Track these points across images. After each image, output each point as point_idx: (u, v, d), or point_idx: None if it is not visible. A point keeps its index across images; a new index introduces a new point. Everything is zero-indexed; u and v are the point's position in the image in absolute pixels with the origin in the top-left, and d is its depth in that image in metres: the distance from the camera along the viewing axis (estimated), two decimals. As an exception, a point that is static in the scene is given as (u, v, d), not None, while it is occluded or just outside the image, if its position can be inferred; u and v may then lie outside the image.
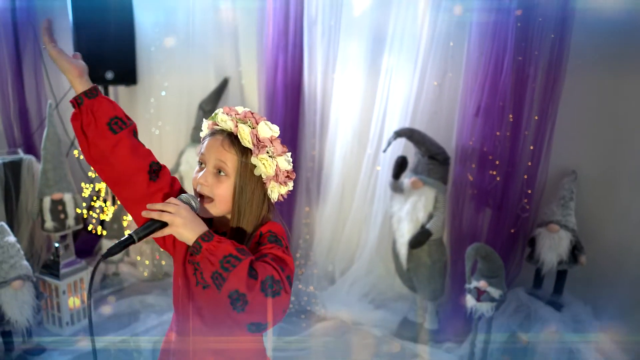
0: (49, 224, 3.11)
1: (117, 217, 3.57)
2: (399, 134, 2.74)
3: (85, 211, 3.39)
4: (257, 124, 1.20)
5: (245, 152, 1.19)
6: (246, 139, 1.19)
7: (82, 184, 3.40)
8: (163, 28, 3.62)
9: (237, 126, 1.19)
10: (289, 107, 3.32)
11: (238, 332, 1.21)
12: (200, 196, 1.22)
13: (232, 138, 1.20)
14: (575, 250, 2.78)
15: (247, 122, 1.20)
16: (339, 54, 3.15)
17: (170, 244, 1.28)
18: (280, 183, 1.22)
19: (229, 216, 1.23)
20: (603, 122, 2.74)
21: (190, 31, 3.56)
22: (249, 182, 1.20)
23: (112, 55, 3.49)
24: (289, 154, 1.24)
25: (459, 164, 2.86)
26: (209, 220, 1.27)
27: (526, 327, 2.82)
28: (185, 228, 1.08)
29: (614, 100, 2.68)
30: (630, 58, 2.59)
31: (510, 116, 2.67)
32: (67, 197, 3.17)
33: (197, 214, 1.16)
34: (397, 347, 2.90)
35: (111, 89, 3.88)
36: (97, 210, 3.56)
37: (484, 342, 2.64)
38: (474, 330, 2.70)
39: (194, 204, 1.18)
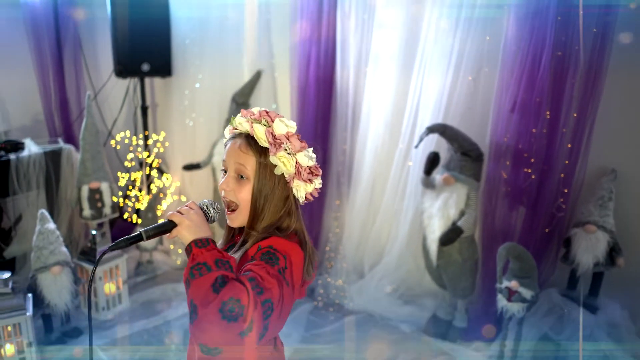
0: (87, 212, 3.22)
1: (151, 206, 3.65)
2: (431, 129, 2.70)
3: (121, 200, 3.49)
4: (272, 122, 1.18)
5: (263, 152, 1.18)
6: (262, 138, 1.17)
7: (119, 174, 3.48)
8: (197, 22, 3.66)
9: (252, 127, 1.18)
10: (321, 100, 3.31)
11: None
12: (228, 205, 1.22)
13: (249, 140, 1.19)
14: (613, 252, 2.70)
15: (262, 121, 1.18)
16: (372, 48, 3.12)
17: None
18: (305, 181, 1.19)
19: None
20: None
21: (224, 25, 3.58)
22: (268, 182, 1.18)
23: (148, 47, 3.55)
24: (310, 149, 1.21)
25: (493, 160, 2.80)
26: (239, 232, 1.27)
27: (558, 330, 2.76)
28: (189, 230, 1.08)
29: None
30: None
31: (548, 113, 2.59)
32: (104, 186, 3.28)
33: (213, 221, 1.18)
34: (426, 343, 2.89)
35: (147, 80, 3.95)
36: (133, 199, 3.64)
37: (514, 343, 2.60)
38: (504, 330, 2.66)
39: (212, 210, 1.18)
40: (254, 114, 1.21)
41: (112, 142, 3.59)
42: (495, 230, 2.87)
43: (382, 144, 3.19)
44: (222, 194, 1.23)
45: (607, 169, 2.78)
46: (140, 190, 3.68)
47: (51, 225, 2.72)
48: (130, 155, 3.61)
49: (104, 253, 1.13)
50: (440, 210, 2.80)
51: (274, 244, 1.13)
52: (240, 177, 1.20)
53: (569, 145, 2.64)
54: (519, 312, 2.51)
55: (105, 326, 2.98)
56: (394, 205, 3.21)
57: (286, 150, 1.17)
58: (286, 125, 1.18)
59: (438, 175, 2.83)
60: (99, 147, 3.25)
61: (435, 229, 2.84)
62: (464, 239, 2.82)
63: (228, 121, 3.50)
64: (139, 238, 1.11)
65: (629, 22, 2.45)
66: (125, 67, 3.57)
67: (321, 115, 3.36)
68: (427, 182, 2.86)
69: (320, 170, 1.23)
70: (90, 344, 1.18)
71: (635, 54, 2.48)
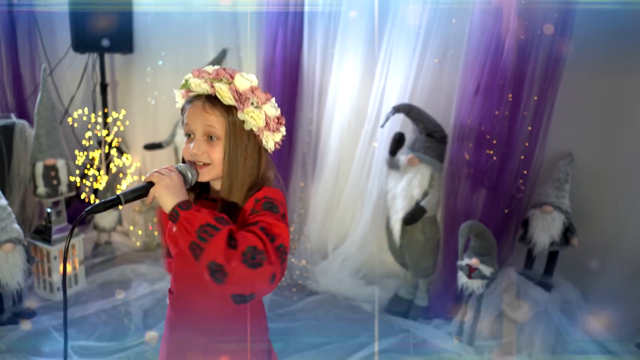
0: (41, 189, 3.09)
1: (110, 186, 3.54)
2: (397, 109, 2.72)
3: (78, 179, 3.37)
4: (233, 78, 1.16)
5: (229, 110, 1.16)
6: (226, 97, 1.15)
7: (76, 152, 3.36)
8: (161, -4, 3.56)
9: (213, 86, 1.16)
10: (287, 80, 3.29)
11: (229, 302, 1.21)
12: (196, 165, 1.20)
13: (212, 99, 1.16)
14: (568, 232, 2.80)
15: (222, 79, 1.16)
16: (340, 28, 3.11)
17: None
18: (273, 131, 1.20)
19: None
20: (601, 106, 2.74)
21: (188, 1, 3.50)
22: (241, 139, 1.17)
23: (108, 22, 3.44)
24: (273, 99, 1.20)
25: (457, 142, 2.86)
26: (205, 189, 1.27)
27: (515, 306, 2.85)
28: (168, 191, 1.06)
29: (614, 85, 2.68)
30: (633, 44, 2.58)
31: (510, 96, 2.66)
32: (60, 164, 3.14)
33: (192, 185, 1.17)
34: (387, 322, 2.92)
35: (107, 56, 3.83)
36: (91, 179, 3.54)
37: (472, 318, 2.66)
38: (463, 307, 2.72)
39: (189, 175, 1.16)
40: (210, 74, 1.18)
41: (70, 119, 3.47)
42: (457, 210, 2.93)
43: (348, 125, 3.20)
44: (191, 159, 1.20)
45: (564, 152, 2.88)
46: (98, 169, 3.57)
47: (2, 201, 2.59)
48: (88, 134, 3.49)
49: (79, 218, 1.07)
50: (404, 190, 2.83)
51: (268, 193, 1.15)
52: (210, 138, 1.18)
53: (530, 128, 2.72)
54: (478, 288, 2.57)
55: (60, 306, 2.88)
56: (359, 186, 3.24)
57: (253, 104, 1.16)
58: (248, 80, 1.17)
59: (402, 156, 2.86)
60: (55, 122, 3.11)
61: (399, 209, 2.87)
62: (426, 219, 2.86)
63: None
64: (117, 201, 1.08)
65: (590, 10, 2.53)
66: (83, 41, 3.45)
67: (287, 95, 3.34)
68: (392, 163, 2.89)
69: (284, 118, 1.23)
70: (65, 329, 1.14)
71: (595, 40, 2.57)
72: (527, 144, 2.75)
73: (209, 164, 1.18)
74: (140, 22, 3.60)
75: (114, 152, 3.60)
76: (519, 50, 2.59)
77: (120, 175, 3.60)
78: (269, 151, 1.23)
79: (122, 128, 3.61)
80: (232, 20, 3.48)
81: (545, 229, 2.78)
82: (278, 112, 1.20)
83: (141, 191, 1.10)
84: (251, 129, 1.18)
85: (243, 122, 1.17)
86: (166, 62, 3.64)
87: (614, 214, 2.81)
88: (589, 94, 2.73)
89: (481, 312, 2.67)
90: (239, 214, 1.15)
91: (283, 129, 1.23)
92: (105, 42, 3.49)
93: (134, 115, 3.81)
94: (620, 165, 2.78)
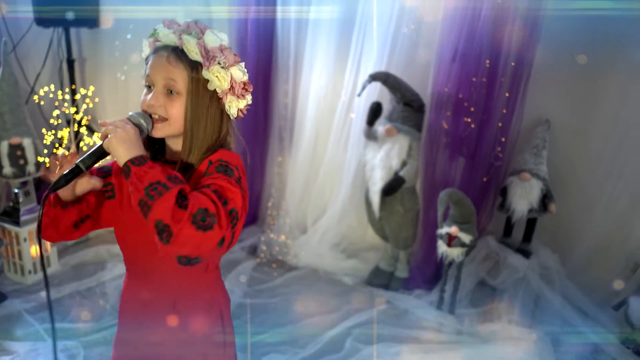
0: (7, 169, 2.97)
1: (81, 166, 3.42)
2: (374, 77, 2.67)
3: (47, 159, 3.26)
4: (203, 34, 1.10)
5: (194, 66, 1.10)
6: (193, 51, 1.09)
7: (43, 131, 3.24)
8: (128, -35, 3.41)
9: (181, 38, 1.10)
10: (262, 52, 3.19)
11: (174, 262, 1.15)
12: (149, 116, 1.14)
13: (178, 52, 1.11)
14: (546, 199, 2.81)
15: (191, 33, 1.10)
16: (314, -5, 3.02)
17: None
18: (238, 96, 1.14)
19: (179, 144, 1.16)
20: (577, 71, 2.72)
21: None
22: (202, 98, 1.11)
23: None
24: (242, 63, 1.15)
25: (434, 111, 2.82)
26: (162, 151, 1.21)
27: (495, 274, 2.87)
28: (122, 144, 1.00)
29: (590, 49, 2.65)
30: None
31: (487, 62, 2.62)
32: (27, 142, 3.03)
33: (148, 136, 1.11)
34: (368, 294, 2.91)
35: (73, 31, 3.67)
36: (60, 158, 3.41)
37: (453, 287, 2.66)
38: (443, 276, 2.72)
39: (144, 122, 1.10)
40: (180, 25, 1.12)
41: (35, 97, 3.33)
42: (436, 180, 2.90)
43: (325, 96, 3.14)
44: (148, 110, 1.14)
45: (541, 119, 2.87)
46: (68, 149, 3.45)
47: (-34, 181, 2.48)
48: (56, 112, 3.35)
49: (44, 198, 1.02)
50: (382, 161, 2.80)
51: (223, 156, 1.11)
52: (170, 92, 1.11)
53: (507, 95, 2.69)
54: (458, 257, 2.57)
55: (32, 290, 2.79)
56: (337, 159, 3.19)
57: (220, 64, 1.10)
58: (218, 37, 1.11)
59: (380, 127, 2.82)
60: (19, 99, 2.98)
61: (377, 181, 2.84)
62: (405, 189, 2.84)
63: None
64: (78, 171, 1.02)
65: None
66: (47, 15, 3.30)
67: (262, 67, 3.25)
68: (370, 134, 2.84)
69: (252, 86, 1.18)
70: (51, 314, 1.10)
71: (571, 3, 2.54)
72: (504, 111, 2.72)
73: (165, 119, 1.12)
74: (107, -6, 3.45)
75: (83, 130, 3.47)
76: (495, 15, 2.54)
77: (92, 154, 3.48)
78: (232, 118, 1.18)
79: (91, 105, 3.46)
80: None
81: (524, 196, 2.78)
82: (245, 77, 1.14)
83: (99, 151, 1.04)
84: (214, 91, 1.13)
85: (207, 81, 1.11)
86: (135, 36, 3.50)
87: (591, 179, 2.81)
88: (565, 59, 2.70)
89: (461, 281, 2.67)
90: (193, 176, 1.11)
91: (249, 97, 1.18)
92: (70, 16, 3.34)
93: (103, 92, 3.68)
94: (598, 131, 2.78)
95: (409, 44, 2.83)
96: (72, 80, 3.61)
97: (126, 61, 3.58)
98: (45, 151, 3.24)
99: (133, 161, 0.98)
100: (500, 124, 2.75)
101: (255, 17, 3.14)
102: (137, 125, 1.08)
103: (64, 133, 3.41)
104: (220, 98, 1.14)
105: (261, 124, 3.36)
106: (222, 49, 1.11)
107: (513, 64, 2.63)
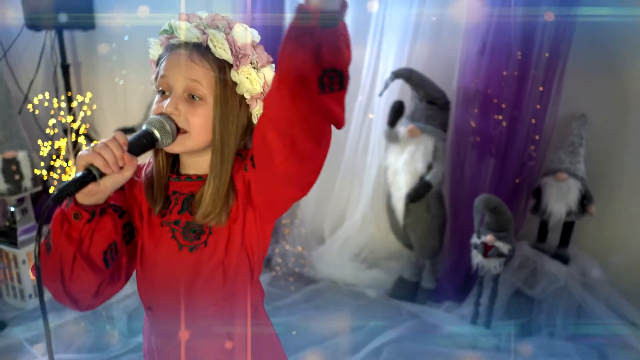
0: (2, 185, 2.77)
1: (81, 178, 3.23)
2: (397, 74, 2.46)
3: (44, 172, 3.07)
4: (231, 28, 0.92)
5: (222, 66, 0.92)
6: (221, 48, 0.91)
7: (39, 142, 3.04)
8: (123, -38, 3.19)
9: (205, 33, 0.91)
10: (270, 51, 2.95)
11: (241, 308, 0.97)
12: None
13: (202, 49, 0.92)
14: (585, 200, 2.59)
15: (218, 27, 0.92)
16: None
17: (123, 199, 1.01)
18: None
19: (202, 156, 0.97)
20: (615, 62, 2.50)
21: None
22: (232, 105, 0.93)
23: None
24: (273, 64, 0.96)
25: (461, 108, 2.60)
26: (175, 161, 1.01)
27: (532, 283, 2.66)
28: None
29: (628, 39, 2.44)
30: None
31: (519, 53, 2.40)
32: (22, 156, 2.83)
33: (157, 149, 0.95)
34: (394, 307, 2.72)
35: (66, 34, 3.46)
36: (58, 171, 3.22)
37: (489, 300, 2.46)
38: (477, 288, 2.52)
39: (168, 127, 0.90)
40: (202, 18, 0.93)
41: (30, 106, 3.13)
42: (463, 183, 2.70)
43: (340, 96, 2.91)
44: None
45: (575, 113, 2.65)
46: (66, 160, 3.25)
47: (-44, 202, 2.28)
48: (52, 121, 3.16)
49: (45, 211, 0.79)
50: (406, 165, 2.60)
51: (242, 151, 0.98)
52: (192, 97, 0.92)
53: (541, 89, 2.47)
54: (495, 268, 2.37)
55: (34, 316, 2.59)
56: (355, 163, 2.98)
57: (252, 64, 0.92)
58: (249, 32, 0.93)
59: (402, 128, 2.61)
60: (11, 109, 2.78)
61: (402, 186, 2.64)
62: (432, 194, 2.64)
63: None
64: (91, 177, 0.81)
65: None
66: (37, 18, 3.09)
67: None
68: (391, 135, 2.64)
69: None
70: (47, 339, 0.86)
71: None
72: (538, 107, 2.50)
73: (185, 132, 0.92)
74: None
75: (82, 139, 3.28)
76: (528, 3, 2.32)
77: (91, 165, 3.28)
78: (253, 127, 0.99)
79: (89, 113, 3.27)
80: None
81: (561, 198, 2.56)
82: None
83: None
84: (242, 96, 0.94)
85: (235, 84, 0.93)
86: (133, 37, 3.29)
87: (632, 178, 2.60)
88: (602, 49, 2.49)
89: (498, 294, 2.46)
90: (229, 182, 0.94)
91: None
92: (63, 18, 3.14)
93: (101, 98, 3.48)
94: (637, 125, 2.57)
95: (430, 36, 2.61)
96: (67, 87, 3.40)
97: (124, 64, 3.38)
98: (43, 164, 3.05)
99: None
100: (533, 121, 2.53)
101: (262, 9, 2.92)
102: (162, 133, 0.89)
103: (62, 143, 3.21)
104: (247, 104, 0.95)
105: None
106: (254, 46, 0.93)
107: (547, 54, 2.41)
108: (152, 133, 0.88)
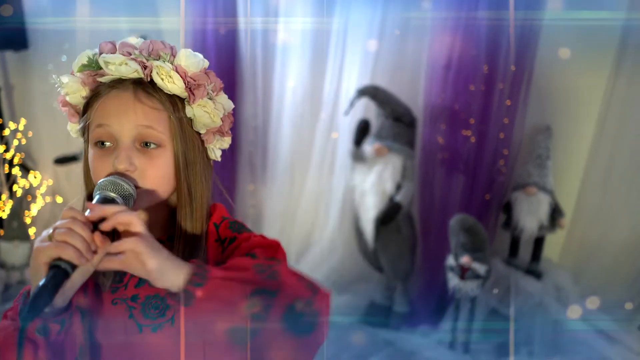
0: None
1: (17, 213, 2.96)
2: (362, 92, 2.36)
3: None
4: (175, 56, 0.77)
5: (173, 101, 0.77)
6: (171, 82, 0.75)
7: (-34, 176, 2.74)
8: (57, -25, 2.95)
9: (146, 66, 0.75)
10: (224, 68, 2.80)
11: None
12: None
13: (147, 86, 0.76)
14: (555, 214, 2.57)
15: (161, 57, 0.77)
16: (282, 1, 2.67)
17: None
18: (224, 133, 0.84)
19: (161, 212, 0.82)
20: (578, 72, 2.50)
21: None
22: (193, 145, 0.80)
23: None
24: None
25: (428, 125, 2.53)
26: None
27: (507, 301, 2.59)
28: (156, 251, 0.65)
29: (591, 49, 2.44)
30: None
31: (486, 67, 2.35)
32: (-55, 194, 2.53)
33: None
34: (367, 335, 2.58)
35: (-5, 55, 3.16)
36: (-9, 207, 2.91)
37: (466, 323, 2.37)
38: (454, 311, 2.42)
39: (129, 189, 0.73)
40: (136, 48, 0.77)
41: (-46, 135, 2.82)
42: (433, 201, 2.62)
43: (301, 115, 2.79)
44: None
45: (540, 126, 2.63)
46: (-1, 194, 2.95)
47: None
48: (-19, 152, 2.86)
49: (20, 336, 0.62)
50: (374, 185, 2.49)
51: (221, 212, 0.85)
52: (145, 144, 0.76)
53: (508, 103, 2.42)
54: (472, 290, 2.28)
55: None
56: (320, 185, 2.85)
57: (208, 94, 0.78)
58: (198, 58, 0.78)
59: (368, 147, 2.50)
60: None
61: (370, 207, 2.53)
62: (402, 215, 2.54)
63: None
64: (62, 275, 0.63)
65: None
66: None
67: (225, 88, 2.84)
68: (357, 155, 2.53)
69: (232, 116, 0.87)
70: None
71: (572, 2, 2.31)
72: (506, 120, 2.46)
73: (145, 188, 0.76)
74: (34, 9, 2.96)
75: (16, 170, 2.98)
76: (493, 15, 2.27)
77: (29, 198, 2.99)
78: (212, 161, 0.87)
79: (23, 141, 2.98)
80: (149, 2, 2.93)
81: (532, 212, 2.52)
82: (231, 104, 0.83)
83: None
84: (198, 132, 0.80)
85: (190, 120, 0.79)
86: (71, 57, 3.02)
87: (600, 188, 2.60)
88: (566, 61, 2.47)
89: (476, 316, 2.37)
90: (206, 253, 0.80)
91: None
92: (-10, 38, 2.87)
93: (37, 124, 3.18)
94: (601, 136, 2.58)
95: (394, 51, 2.52)
96: (-2, 113, 3.10)
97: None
98: (-29, 200, 2.74)
99: (194, 279, 0.65)
100: (501, 135, 2.48)
101: (214, 26, 2.75)
102: (122, 198, 0.72)
103: (-8, 176, 2.91)
104: (202, 141, 0.82)
105: (226, 151, 2.96)
106: (207, 73, 0.79)
107: (513, 67, 2.36)
108: (114, 200, 0.70)
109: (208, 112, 0.78)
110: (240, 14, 2.73)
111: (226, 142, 0.85)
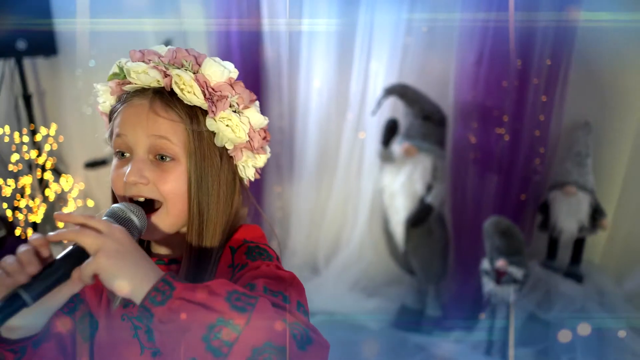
0: (-42, 234, 2.51)
1: (49, 217, 2.99)
2: (390, 91, 2.29)
3: (9, 212, 2.81)
4: (200, 65, 0.73)
5: (192, 113, 0.73)
6: (190, 92, 0.71)
7: (0, 181, 2.78)
8: (84, -18, 2.97)
9: (167, 75, 0.72)
10: (248, 70, 2.77)
11: None
12: (138, 204, 0.73)
13: (166, 96, 0.73)
14: (596, 214, 2.43)
15: (183, 65, 0.73)
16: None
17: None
18: (257, 151, 0.78)
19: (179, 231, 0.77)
20: (619, 66, 2.36)
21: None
22: (212, 161, 0.75)
23: (22, 19, 2.83)
24: (257, 102, 0.78)
25: (459, 123, 2.44)
26: (148, 243, 0.81)
27: (546, 306, 2.48)
28: (123, 261, 0.59)
29: (633, 42, 2.30)
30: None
31: (519, 62, 2.24)
32: (-20, 199, 2.58)
33: (138, 235, 0.70)
34: (399, 339, 2.52)
35: (27, 61, 3.21)
36: (24, 211, 2.96)
37: (503, 329, 2.27)
38: (489, 316, 2.33)
39: (135, 219, 0.69)
40: (161, 56, 0.74)
41: (-13, 140, 2.88)
42: (465, 202, 2.52)
43: (328, 115, 2.72)
44: (125, 193, 0.74)
45: (578, 122, 2.50)
46: (32, 198, 2.99)
47: None
48: (14, 157, 2.91)
49: None
50: (404, 186, 2.42)
51: (247, 235, 0.78)
52: (161, 158, 0.73)
53: (544, 99, 2.30)
54: (509, 295, 2.18)
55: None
56: (348, 186, 2.78)
57: (232, 107, 0.73)
58: (224, 67, 0.73)
59: (397, 147, 2.43)
60: (-34, 149, 2.53)
61: (400, 209, 2.46)
62: (433, 216, 2.46)
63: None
64: (20, 303, 0.58)
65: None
66: (-6, 45, 2.86)
67: (250, 88, 2.81)
68: (386, 155, 2.46)
69: (270, 135, 0.82)
70: None
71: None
72: (541, 117, 2.34)
73: (157, 207, 0.73)
74: (62, 15, 3.00)
75: (49, 175, 3.03)
76: (526, 7, 2.16)
77: (61, 202, 3.04)
78: (246, 181, 0.82)
79: (55, 146, 3.03)
80: (173, 2, 2.93)
81: (572, 212, 2.40)
82: (266, 121, 0.78)
83: (58, 273, 0.59)
84: (223, 147, 0.76)
85: (213, 134, 0.74)
86: (99, 62, 3.06)
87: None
88: (606, 54, 2.34)
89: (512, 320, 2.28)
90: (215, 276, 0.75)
91: (268, 149, 0.82)
92: (22, 45, 2.90)
93: (68, 129, 3.23)
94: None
95: (422, 47, 2.44)
96: (30, 119, 3.15)
97: (91, 92, 3.11)
98: (5, 205, 2.79)
99: (155, 295, 0.57)
100: (537, 133, 2.36)
101: (238, 27, 2.72)
102: (124, 223, 0.68)
103: (26, 181, 2.95)
104: (230, 157, 0.77)
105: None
106: (232, 84, 0.73)
107: (549, 62, 2.25)
108: (124, 217, 0.68)
109: (231, 126, 0.73)
110: (264, 14, 2.68)
111: (260, 160, 0.80)
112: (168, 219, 0.74)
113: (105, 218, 0.67)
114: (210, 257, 0.74)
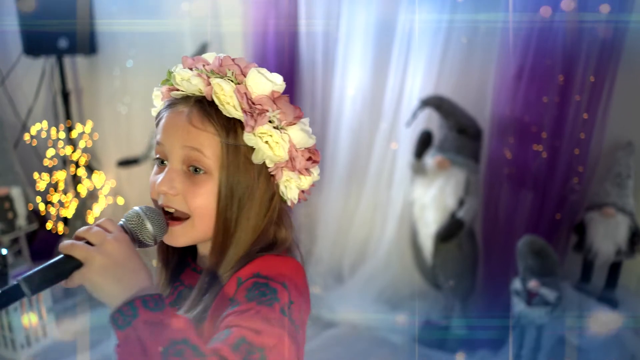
0: (-7, 226, 2.57)
1: (80, 213, 3.05)
2: (426, 102, 2.25)
3: (42, 206, 2.87)
4: (245, 75, 0.70)
5: (231, 127, 0.71)
6: (229, 104, 0.69)
7: (35, 175, 2.85)
8: (126, -16, 3.03)
9: (209, 84, 0.70)
10: (284, 76, 2.76)
11: None
12: (166, 213, 0.73)
13: (204, 107, 0.71)
14: (635, 237, 2.34)
15: (226, 75, 0.70)
16: (344, 5, 2.59)
17: None
18: (300, 172, 0.74)
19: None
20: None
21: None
22: (244, 177, 0.71)
23: (64, 18, 2.90)
24: (307, 119, 0.74)
25: (495, 138, 2.38)
26: (186, 248, 0.80)
27: (577, 330, 2.39)
28: (105, 276, 0.60)
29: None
30: None
31: (561, 78, 2.18)
32: (15, 192, 2.65)
33: (152, 244, 0.71)
34: (422, 357, 2.47)
35: (67, 60, 3.28)
36: (57, 205, 3.02)
37: (531, 352, 2.20)
38: (517, 338, 2.26)
39: (149, 226, 0.69)
40: (208, 63, 0.72)
41: (27, 136, 2.94)
42: (498, 219, 2.46)
43: (360, 124, 2.70)
44: (159, 200, 0.73)
45: (620, 141, 2.41)
46: (65, 193, 3.05)
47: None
48: (50, 152, 2.98)
49: None
50: (435, 200, 2.37)
51: (262, 268, 0.70)
52: (195, 170, 0.71)
53: (585, 116, 2.23)
54: (540, 317, 2.11)
55: (26, 369, 2.36)
56: (377, 197, 2.75)
57: (272, 122, 0.70)
58: (268, 80, 0.70)
59: (430, 159, 2.39)
60: (5, 143, 2.60)
61: (430, 223, 2.41)
62: (464, 232, 2.40)
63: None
64: (19, 294, 0.61)
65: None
66: (36, 43, 2.93)
67: (284, 93, 2.82)
68: (418, 168, 2.41)
69: (320, 155, 0.78)
70: None
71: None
72: (582, 135, 2.27)
73: (186, 217, 0.72)
74: (103, 16, 3.05)
75: (82, 171, 3.08)
76: (571, 22, 2.10)
77: (92, 198, 3.09)
78: (290, 203, 0.78)
79: (90, 143, 3.09)
80: (211, 6, 2.95)
81: (609, 235, 2.31)
82: (312, 140, 0.74)
83: (57, 271, 0.63)
84: (263, 164, 0.72)
85: (251, 149, 0.70)
86: (137, 62, 3.11)
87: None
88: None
89: (542, 345, 2.20)
90: (217, 302, 0.72)
91: (317, 172, 0.77)
92: (63, 43, 2.98)
93: (103, 127, 3.29)
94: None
95: (460, 59, 2.40)
96: (67, 115, 3.21)
97: (127, 91, 3.20)
98: (39, 199, 2.85)
99: (117, 318, 0.58)
100: (576, 151, 2.29)
101: (275, 33, 2.72)
102: (131, 232, 0.68)
103: (60, 176, 3.01)
104: (271, 175, 0.73)
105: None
106: (274, 99, 0.70)
107: (592, 78, 2.18)
108: (136, 227, 0.68)
109: (269, 142, 0.70)
110: (302, 17, 2.68)
111: (305, 182, 0.76)
112: (193, 233, 0.73)
113: (122, 220, 0.68)
114: (219, 280, 0.72)
